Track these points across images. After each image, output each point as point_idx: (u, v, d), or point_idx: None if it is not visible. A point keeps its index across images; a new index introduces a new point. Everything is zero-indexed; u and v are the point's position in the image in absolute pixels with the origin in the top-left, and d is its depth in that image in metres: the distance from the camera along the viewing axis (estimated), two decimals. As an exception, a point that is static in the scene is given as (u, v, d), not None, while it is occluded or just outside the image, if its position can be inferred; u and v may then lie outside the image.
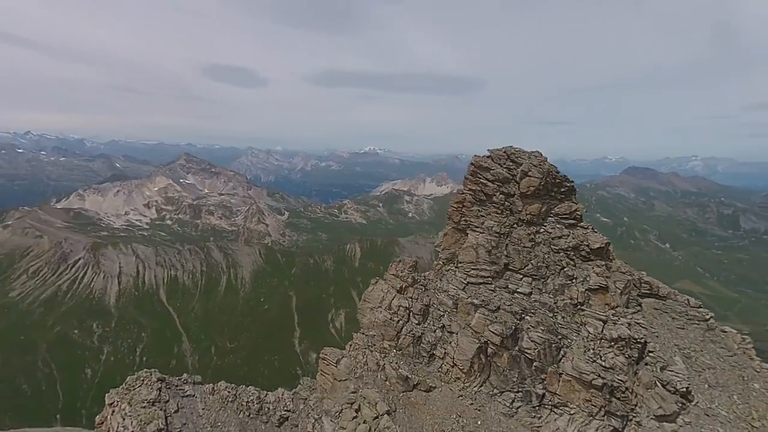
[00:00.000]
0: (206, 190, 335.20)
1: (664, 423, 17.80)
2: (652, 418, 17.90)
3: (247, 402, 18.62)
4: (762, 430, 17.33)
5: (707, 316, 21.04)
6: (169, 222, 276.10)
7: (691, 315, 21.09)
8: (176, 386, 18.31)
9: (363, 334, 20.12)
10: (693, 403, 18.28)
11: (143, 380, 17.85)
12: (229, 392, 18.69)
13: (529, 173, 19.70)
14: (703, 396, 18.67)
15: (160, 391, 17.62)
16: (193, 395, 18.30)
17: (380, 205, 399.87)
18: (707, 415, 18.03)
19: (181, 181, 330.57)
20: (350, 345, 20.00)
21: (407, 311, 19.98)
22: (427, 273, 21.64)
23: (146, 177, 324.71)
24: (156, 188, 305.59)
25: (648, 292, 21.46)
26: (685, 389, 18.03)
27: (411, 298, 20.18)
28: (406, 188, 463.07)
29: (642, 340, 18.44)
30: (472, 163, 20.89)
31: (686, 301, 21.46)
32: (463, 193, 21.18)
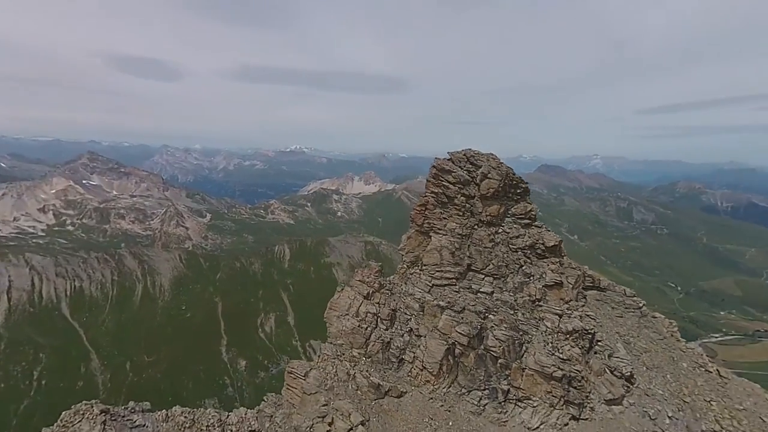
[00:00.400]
0: (115, 192, 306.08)
1: (613, 406, 19.38)
2: (602, 403, 19.39)
3: (207, 426, 17.13)
4: (692, 404, 19.52)
5: (640, 305, 23.28)
6: (70, 228, 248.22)
7: (627, 304, 23.19)
8: (123, 417, 16.31)
9: (331, 343, 19.46)
10: (635, 386, 20.10)
11: (83, 414, 15.66)
12: (185, 417, 17.05)
13: (489, 175, 20.34)
14: (642, 378, 20.61)
15: (104, 425, 15.59)
16: (144, 425, 16.43)
17: (308, 204, 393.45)
18: (647, 395, 19.93)
19: (85, 182, 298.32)
20: (318, 356, 19.24)
21: (375, 317, 19.67)
22: (392, 277, 21.49)
23: (40, 178, 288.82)
24: (53, 190, 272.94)
25: (591, 284, 23.24)
26: (629, 373, 19.78)
27: (378, 303, 19.91)
28: (334, 187, 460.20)
29: (592, 331, 19.91)
30: (433, 166, 21.11)
31: (623, 292, 23.57)
32: (425, 196, 21.33)
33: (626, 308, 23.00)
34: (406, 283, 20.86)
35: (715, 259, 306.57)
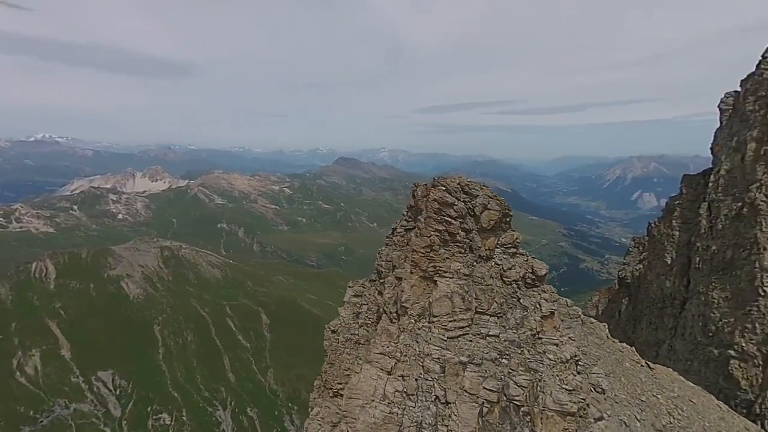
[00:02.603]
0: None
1: (600, 422, 20.41)
2: (592, 422, 20.19)
3: None
4: (649, 402, 22.18)
5: (579, 312, 25.35)
6: None
7: (571, 314, 24.91)
8: None
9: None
10: (605, 396, 21.66)
11: None
12: None
13: (489, 206, 18.50)
14: (606, 385, 22.38)
15: None
16: None
17: (74, 207, 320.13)
18: (616, 402, 21.72)
19: None
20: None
21: (403, 395, 15.62)
22: (401, 337, 17.53)
23: None
24: None
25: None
26: (605, 386, 21.14)
27: (402, 376, 15.89)
28: (109, 185, 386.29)
29: (579, 353, 20.45)
30: (434, 200, 17.98)
31: (566, 303, 25.21)
32: (429, 236, 18.03)
33: (572, 318, 24.69)
34: (418, 342, 17.35)
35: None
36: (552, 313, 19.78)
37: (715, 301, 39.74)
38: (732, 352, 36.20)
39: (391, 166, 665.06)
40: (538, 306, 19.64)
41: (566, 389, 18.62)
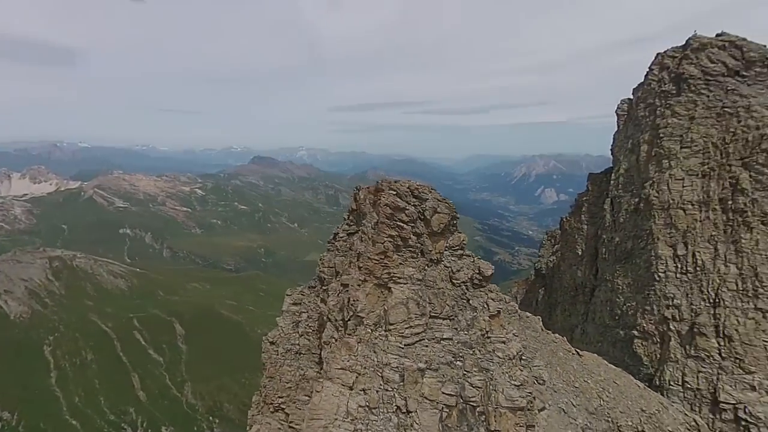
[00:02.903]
0: None
1: (543, 413, 21.42)
2: (537, 413, 21.10)
3: None
4: (582, 388, 23.78)
5: (516, 308, 26.50)
6: None
7: (509, 309, 25.93)
8: None
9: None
10: (545, 387, 22.82)
11: None
12: None
13: (438, 210, 18.38)
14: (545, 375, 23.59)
15: None
16: None
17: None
18: (554, 392, 22.99)
19: None
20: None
21: (366, 409, 14.74)
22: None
23: None
24: None
25: (486, 300, 24.73)
26: (546, 377, 22.25)
27: (364, 389, 14.98)
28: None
29: (521, 349, 21.25)
30: (387, 205, 17.34)
31: (505, 299, 26.15)
32: (383, 242, 17.34)
33: (510, 314, 25.71)
34: (375, 352, 16.62)
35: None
36: (499, 312, 20.34)
37: (620, 287, 44.13)
38: (635, 332, 40.39)
39: (311, 165, 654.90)
40: (485, 306, 20.07)
41: (515, 385, 19.24)
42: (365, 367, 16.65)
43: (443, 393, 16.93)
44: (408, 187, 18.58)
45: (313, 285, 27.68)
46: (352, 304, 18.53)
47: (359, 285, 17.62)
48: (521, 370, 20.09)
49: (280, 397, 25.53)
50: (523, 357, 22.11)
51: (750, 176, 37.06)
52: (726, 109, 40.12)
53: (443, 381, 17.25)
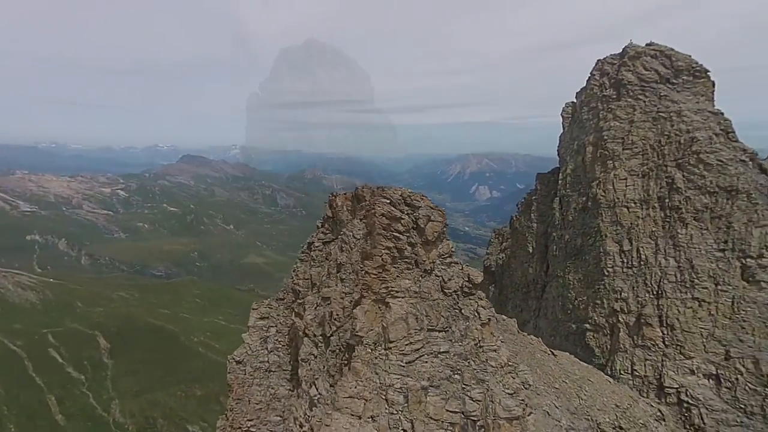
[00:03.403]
0: None
1: (529, 417, 21.29)
2: (527, 419, 20.92)
3: None
4: (561, 389, 24.04)
5: (493, 311, 26.27)
6: None
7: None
8: None
9: None
10: (530, 390, 22.76)
11: None
12: None
13: (432, 218, 17.44)
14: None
15: None
16: None
17: None
18: (537, 394, 23.04)
19: None
20: None
21: (378, 442, 13.37)
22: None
23: None
24: None
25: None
26: (531, 381, 22.16)
27: (372, 417, 13.57)
28: None
29: (510, 355, 20.96)
30: (382, 215, 16.02)
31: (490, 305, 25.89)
32: (381, 255, 15.98)
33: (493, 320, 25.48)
34: (377, 373, 15.29)
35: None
36: (489, 320, 19.92)
37: (571, 282, 46.11)
38: (587, 326, 42.35)
39: (245, 164, 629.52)
40: (476, 314, 19.55)
41: (509, 393, 18.91)
42: (371, 392, 15.38)
43: (447, 411, 16.11)
44: (401, 195, 17.50)
45: (282, 297, 25.78)
46: (336, 319, 17.14)
47: (342, 298, 16.26)
48: (513, 378, 19.82)
49: (249, 420, 23.44)
50: (510, 362, 21.92)
51: (683, 176, 40.00)
52: (660, 114, 43.04)
53: (446, 398, 16.42)
